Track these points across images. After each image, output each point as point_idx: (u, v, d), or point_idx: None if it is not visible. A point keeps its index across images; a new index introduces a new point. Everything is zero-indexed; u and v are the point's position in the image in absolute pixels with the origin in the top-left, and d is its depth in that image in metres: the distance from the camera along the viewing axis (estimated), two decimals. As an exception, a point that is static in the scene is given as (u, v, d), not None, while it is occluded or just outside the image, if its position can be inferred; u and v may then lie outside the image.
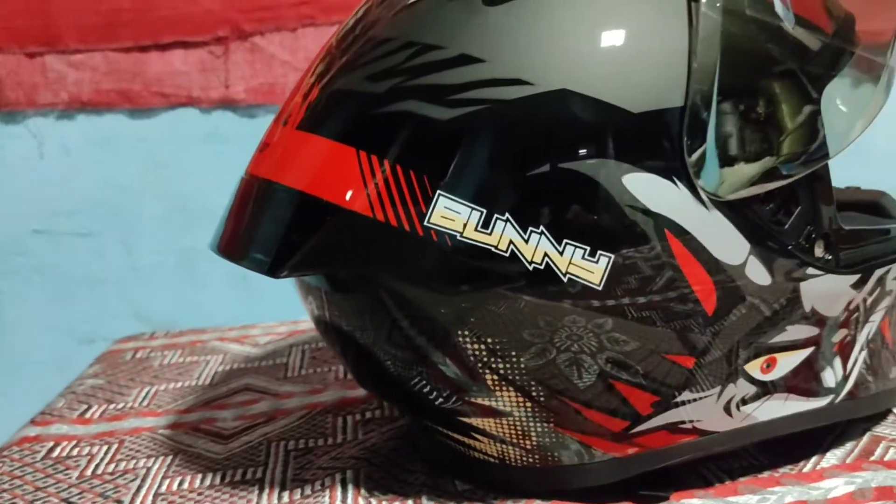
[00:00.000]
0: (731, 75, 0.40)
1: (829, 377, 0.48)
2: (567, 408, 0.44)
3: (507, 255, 0.40)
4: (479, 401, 0.45)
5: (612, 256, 0.40)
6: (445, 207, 0.40)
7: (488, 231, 0.40)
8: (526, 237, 0.40)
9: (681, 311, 0.42)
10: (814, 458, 0.51)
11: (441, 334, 0.43)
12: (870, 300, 0.48)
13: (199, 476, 0.55)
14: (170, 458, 0.58)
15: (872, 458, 0.51)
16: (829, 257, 0.45)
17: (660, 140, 0.40)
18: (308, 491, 0.51)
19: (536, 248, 0.40)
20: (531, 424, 0.45)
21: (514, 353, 0.42)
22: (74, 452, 0.60)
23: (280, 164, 0.45)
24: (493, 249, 0.40)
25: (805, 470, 0.50)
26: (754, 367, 0.45)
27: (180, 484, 0.54)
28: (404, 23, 0.44)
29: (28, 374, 1.00)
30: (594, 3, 0.42)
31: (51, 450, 0.60)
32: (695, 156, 0.40)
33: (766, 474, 0.50)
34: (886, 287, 0.49)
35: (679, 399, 0.44)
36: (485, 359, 0.43)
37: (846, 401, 0.50)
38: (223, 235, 0.47)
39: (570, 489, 0.47)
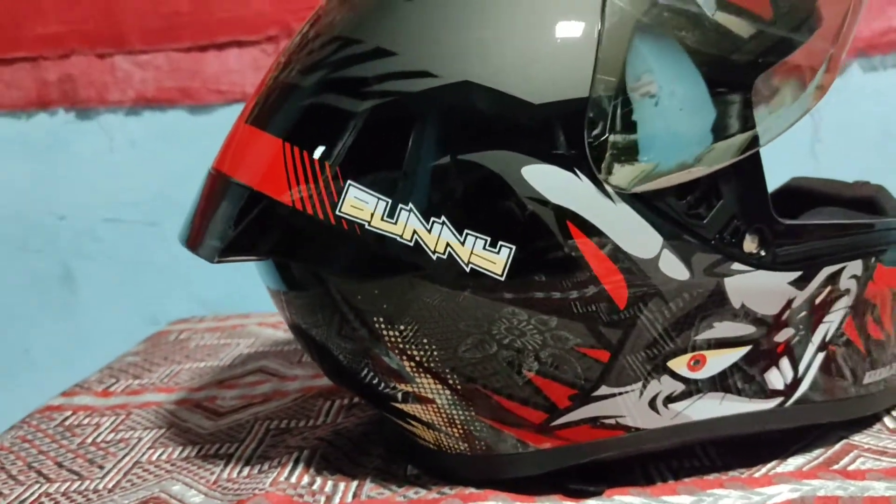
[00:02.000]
0: (640, 65, 0.40)
1: (776, 379, 0.46)
2: (484, 397, 0.44)
3: (411, 244, 0.41)
4: (406, 388, 0.46)
5: (514, 248, 0.41)
6: (355, 197, 0.42)
7: (394, 221, 0.41)
8: (428, 227, 0.41)
9: (590, 304, 0.41)
10: (772, 463, 0.49)
11: (367, 322, 0.44)
12: (819, 299, 0.46)
13: (180, 449, 0.58)
14: (162, 430, 0.62)
15: (835, 467, 0.48)
16: (762, 253, 0.43)
17: (561, 131, 0.40)
18: (266, 467, 0.53)
19: (439, 238, 0.41)
20: (454, 412, 0.46)
21: (425, 341, 0.43)
22: (85, 422, 0.65)
23: (234, 158, 0.48)
24: (398, 239, 0.41)
25: (757, 475, 0.48)
26: (680, 365, 0.44)
27: (160, 455, 0.57)
28: (339, 18, 0.46)
29: (99, 350, 1.08)
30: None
31: (66, 419, 0.66)
32: (597, 148, 0.40)
33: (712, 476, 0.48)
34: (841, 286, 0.46)
35: (598, 393, 0.44)
36: (400, 345, 0.44)
37: (802, 404, 0.47)
38: (190, 228, 0.50)
39: (503, 479, 0.48)
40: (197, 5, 0.99)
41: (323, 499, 0.49)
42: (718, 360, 0.44)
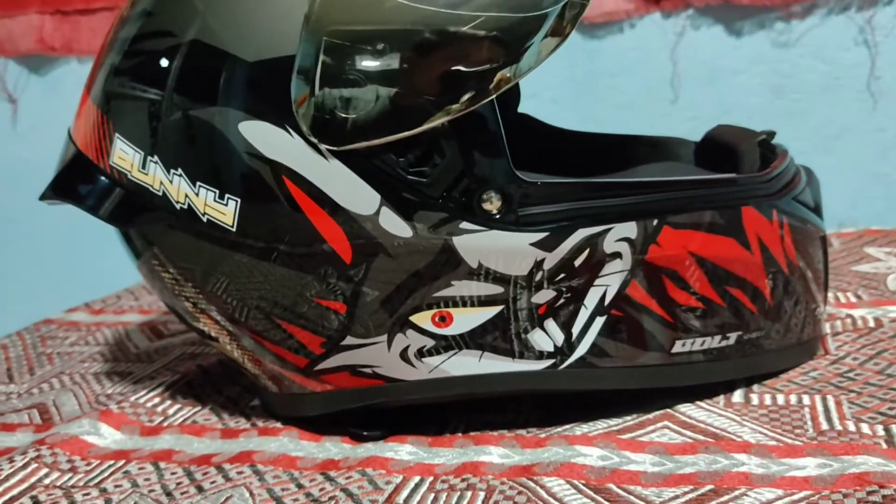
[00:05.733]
0: (338, 23, 0.40)
1: (543, 340, 0.45)
2: (252, 339, 0.47)
3: (160, 194, 0.44)
4: (198, 325, 0.50)
5: (239, 200, 0.43)
6: (120, 149, 0.45)
7: (146, 172, 0.45)
8: (170, 178, 0.44)
9: (317, 257, 0.43)
10: (587, 426, 0.48)
11: (146, 261, 0.48)
12: (579, 261, 0.43)
13: (101, 364, 0.66)
14: (103, 346, 0.70)
15: (627, 436, 0.46)
16: (497, 213, 0.42)
17: (273, 89, 0.41)
18: (140, 388, 0.59)
19: (178, 189, 0.44)
20: (236, 352, 0.49)
21: (190, 284, 0.47)
22: (60, 335, 0.75)
23: (75, 123, 0.52)
24: (151, 189, 0.45)
25: (542, 435, 0.47)
26: (423, 320, 0.44)
27: (85, 368, 0.65)
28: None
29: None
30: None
31: (52, 332, 0.76)
32: (303, 107, 0.40)
33: (508, 432, 0.48)
34: (605, 249, 0.43)
35: (346, 343, 0.45)
36: (176, 287, 0.48)
37: (584, 368, 0.46)
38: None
39: (301, 416, 0.51)
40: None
41: (159, 419, 0.54)
42: (467, 318, 0.44)
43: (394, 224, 0.42)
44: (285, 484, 0.45)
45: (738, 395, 0.50)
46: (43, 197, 0.49)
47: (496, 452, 0.46)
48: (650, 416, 0.49)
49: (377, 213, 0.42)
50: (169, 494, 0.45)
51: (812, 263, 0.52)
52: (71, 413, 0.57)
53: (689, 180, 0.47)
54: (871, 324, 0.58)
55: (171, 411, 0.55)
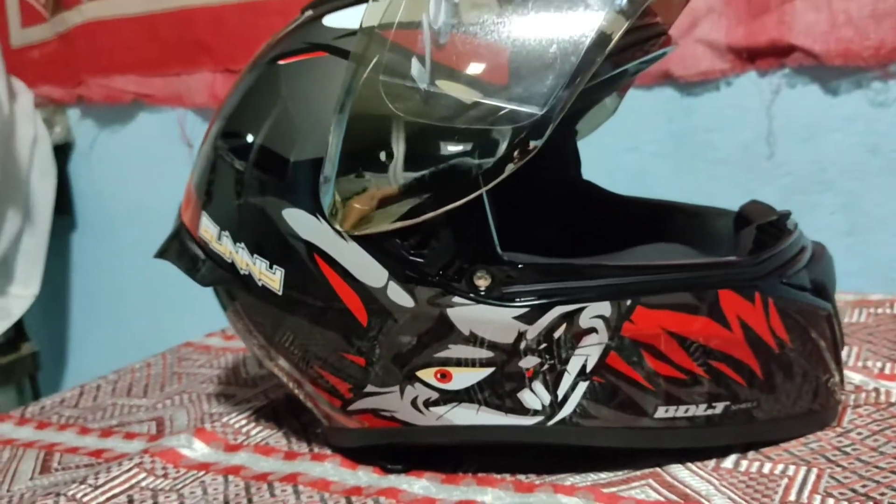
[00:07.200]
0: (352, 134, 0.49)
1: (531, 399, 0.52)
2: (302, 381, 0.57)
3: (230, 262, 0.56)
4: (269, 367, 0.61)
5: (284, 271, 0.53)
6: (205, 223, 0.57)
7: (221, 243, 0.56)
8: (236, 250, 0.55)
9: (341, 320, 0.52)
10: (579, 477, 0.54)
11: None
12: (558, 334, 0.50)
13: (216, 385, 0.79)
14: (224, 371, 0.83)
15: (609, 490, 0.52)
16: (483, 290, 0.49)
17: (307, 183, 0.51)
18: (226, 408, 0.71)
19: (241, 258, 0.55)
20: (297, 390, 0.59)
21: (262, 335, 0.57)
22: (194, 357, 0.89)
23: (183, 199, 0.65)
24: (223, 257, 0.56)
25: (567, 482, 0.53)
26: (428, 375, 0.52)
27: (205, 388, 0.79)
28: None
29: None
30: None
31: (188, 354, 0.91)
32: (325, 199, 0.50)
33: (510, 476, 0.55)
34: (581, 324, 0.50)
35: (368, 390, 0.54)
36: (249, 335, 0.59)
37: (570, 426, 0.52)
38: None
39: (343, 447, 0.60)
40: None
41: (241, 438, 0.65)
42: (464, 376, 0.52)
43: (399, 296, 0.50)
44: (314, 503, 0.54)
45: (729, 461, 0.54)
46: (156, 255, 0.62)
47: (491, 494, 0.53)
48: (638, 472, 0.54)
49: (385, 286, 0.51)
50: (226, 503, 0.56)
51: (815, 340, 0.55)
52: (180, 427, 0.69)
53: (663, 265, 0.52)
54: (894, 398, 0.60)
55: (253, 432, 0.66)
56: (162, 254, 0.62)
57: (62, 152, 1.52)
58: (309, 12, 0.57)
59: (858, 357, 0.69)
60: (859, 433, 0.56)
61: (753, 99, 0.96)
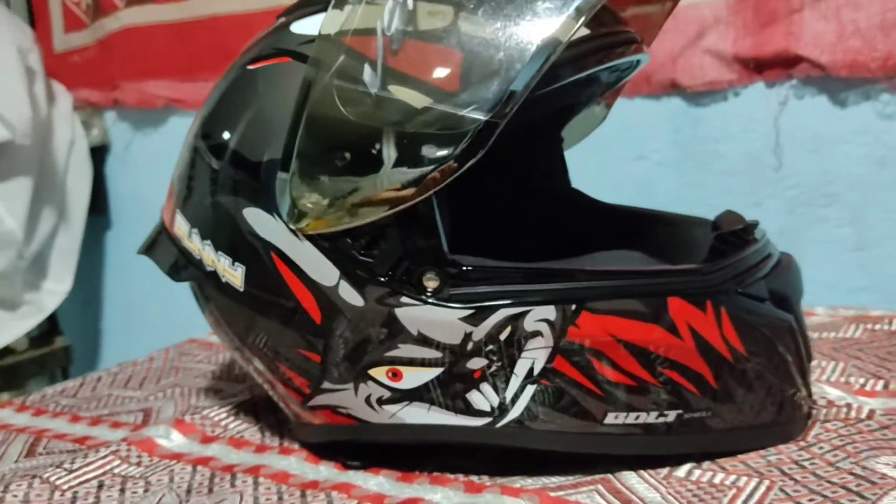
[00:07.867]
0: (307, 137, 0.50)
1: (479, 400, 0.52)
2: (266, 374, 0.59)
3: (198, 258, 0.58)
4: (239, 362, 0.62)
5: (245, 267, 0.55)
6: (178, 221, 0.59)
7: (192, 240, 0.58)
8: (203, 247, 0.57)
9: (297, 317, 0.54)
10: (531, 480, 0.54)
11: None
12: (503, 336, 0.50)
13: (207, 380, 0.81)
14: (219, 366, 0.85)
15: (557, 494, 0.52)
16: (431, 291, 0.50)
17: (266, 184, 0.53)
18: (210, 402, 0.73)
19: (208, 255, 0.57)
20: (266, 385, 0.61)
21: (236, 336, 0.59)
22: (195, 352, 0.92)
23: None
24: (193, 254, 0.58)
25: (516, 485, 0.53)
26: (379, 374, 0.53)
27: (196, 383, 0.81)
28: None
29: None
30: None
31: (191, 350, 0.93)
32: (281, 199, 0.52)
33: (463, 476, 0.55)
34: (525, 327, 0.50)
35: (324, 387, 0.55)
36: (229, 340, 0.60)
37: (518, 428, 0.52)
38: None
39: (310, 442, 0.61)
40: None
41: (218, 431, 0.67)
42: (414, 376, 0.52)
43: (350, 295, 0.52)
44: (270, 495, 0.55)
45: (682, 470, 0.54)
46: (139, 251, 0.65)
47: (441, 493, 0.54)
48: (589, 478, 0.54)
49: (337, 285, 0.52)
50: (189, 492, 0.57)
51: (781, 353, 0.54)
52: (164, 419, 0.72)
53: (611, 271, 0.52)
54: (864, 415, 0.58)
55: (231, 425, 0.68)
56: (144, 250, 0.64)
57: (99, 154, 1.57)
58: (282, 19, 0.59)
59: (843, 372, 0.68)
60: (820, 448, 0.55)
61: (761, 110, 0.95)
